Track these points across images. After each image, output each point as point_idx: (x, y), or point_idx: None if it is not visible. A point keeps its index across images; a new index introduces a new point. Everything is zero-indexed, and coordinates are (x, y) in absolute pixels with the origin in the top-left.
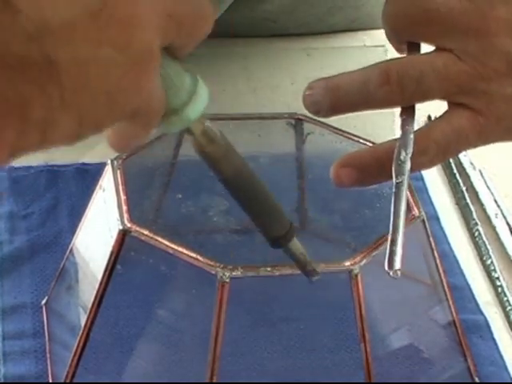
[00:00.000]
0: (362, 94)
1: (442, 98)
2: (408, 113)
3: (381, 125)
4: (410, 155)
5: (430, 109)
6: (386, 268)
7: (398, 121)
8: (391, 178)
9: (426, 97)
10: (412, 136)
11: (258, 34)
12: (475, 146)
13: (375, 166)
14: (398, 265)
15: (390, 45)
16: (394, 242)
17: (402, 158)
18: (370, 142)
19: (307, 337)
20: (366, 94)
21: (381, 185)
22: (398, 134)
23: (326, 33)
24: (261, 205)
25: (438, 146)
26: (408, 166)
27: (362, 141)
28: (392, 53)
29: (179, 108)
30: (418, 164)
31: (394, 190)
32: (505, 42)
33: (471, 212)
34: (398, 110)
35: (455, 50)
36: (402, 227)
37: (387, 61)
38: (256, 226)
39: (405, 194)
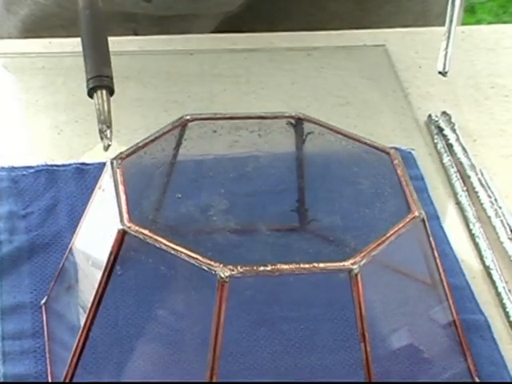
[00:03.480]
0: None
1: None
2: None
3: (382, 124)
4: None
5: (431, 109)
6: (439, 69)
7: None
8: None
9: None
10: None
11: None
12: None
13: None
14: (447, 67)
15: (390, 44)
16: (447, 46)
17: None
18: (370, 141)
19: (307, 337)
20: None
21: (381, 184)
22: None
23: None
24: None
25: None
26: None
27: (362, 140)
28: (393, 52)
29: None
30: None
31: None
32: None
33: (471, 212)
34: (398, 111)
35: None
36: (453, 33)
37: None
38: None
39: (459, 2)
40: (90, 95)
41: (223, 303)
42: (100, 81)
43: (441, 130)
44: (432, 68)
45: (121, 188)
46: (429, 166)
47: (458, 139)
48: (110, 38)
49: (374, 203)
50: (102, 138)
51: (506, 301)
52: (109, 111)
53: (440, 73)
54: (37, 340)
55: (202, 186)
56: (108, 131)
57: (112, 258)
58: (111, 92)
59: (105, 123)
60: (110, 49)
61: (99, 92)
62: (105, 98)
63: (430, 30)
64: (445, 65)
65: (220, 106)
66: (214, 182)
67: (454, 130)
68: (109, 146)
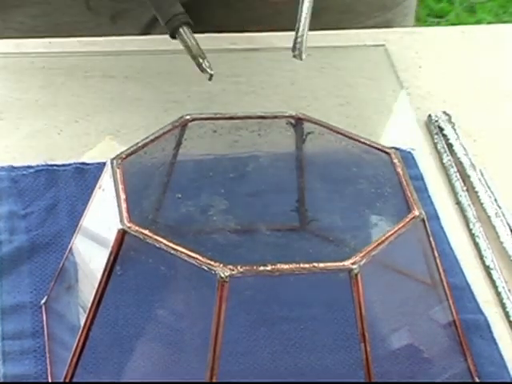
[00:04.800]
0: None
1: None
2: None
3: (382, 124)
4: None
5: (431, 109)
6: (292, 51)
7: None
8: None
9: None
10: None
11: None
12: None
13: None
14: (303, 55)
15: (390, 44)
16: (297, 30)
17: None
18: (370, 141)
19: (307, 337)
20: None
21: (381, 184)
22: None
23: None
24: None
25: None
26: None
27: (362, 140)
28: (393, 52)
29: None
30: None
31: None
32: None
33: (471, 212)
34: (398, 111)
35: None
36: (307, 20)
37: None
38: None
39: None
40: (173, 36)
41: (223, 303)
42: (178, 19)
43: (441, 129)
44: (432, 68)
45: (121, 188)
46: (429, 166)
47: (458, 139)
48: (110, 38)
49: (373, 203)
50: (202, 71)
51: (506, 301)
52: (197, 43)
53: (295, 56)
54: (37, 340)
55: (202, 186)
56: (205, 61)
57: (112, 258)
58: (190, 26)
59: (199, 55)
60: (110, 49)
61: (181, 29)
62: (188, 33)
63: (429, 30)
64: (300, 49)
65: (220, 106)
66: (213, 182)
67: (454, 130)
68: (211, 75)
